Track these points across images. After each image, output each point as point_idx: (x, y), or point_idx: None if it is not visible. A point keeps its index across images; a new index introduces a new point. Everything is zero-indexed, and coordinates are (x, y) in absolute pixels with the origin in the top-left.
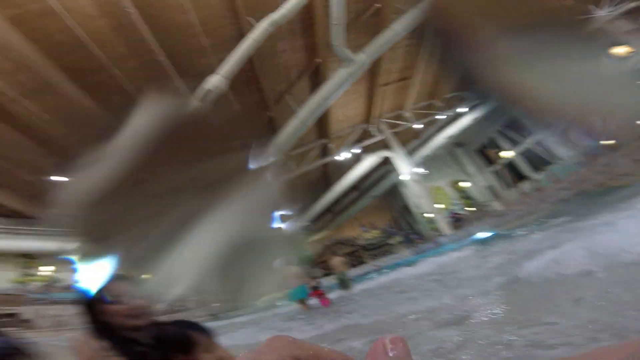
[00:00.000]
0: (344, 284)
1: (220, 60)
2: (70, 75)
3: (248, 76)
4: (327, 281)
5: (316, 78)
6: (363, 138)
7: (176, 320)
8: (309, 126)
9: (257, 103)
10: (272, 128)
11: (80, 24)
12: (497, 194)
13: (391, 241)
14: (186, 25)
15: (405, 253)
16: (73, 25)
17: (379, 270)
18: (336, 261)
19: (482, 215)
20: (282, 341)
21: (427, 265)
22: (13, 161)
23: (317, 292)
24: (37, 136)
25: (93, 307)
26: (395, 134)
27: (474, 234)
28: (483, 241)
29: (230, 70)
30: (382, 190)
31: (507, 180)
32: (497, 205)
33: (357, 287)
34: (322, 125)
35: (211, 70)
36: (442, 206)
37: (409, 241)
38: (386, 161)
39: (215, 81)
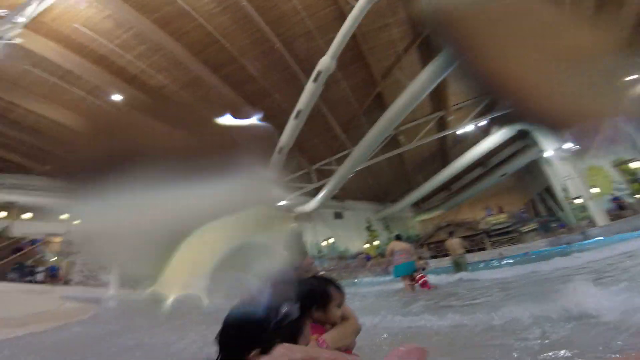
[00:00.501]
0: (458, 267)
1: (327, 42)
2: (210, 68)
3: (354, 54)
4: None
5: (427, 50)
6: (491, 108)
7: (315, 277)
8: (423, 100)
9: (365, 80)
10: (380, 103)
11: (207, 20)
12: None
13: (523, 228)
14: (292, 12)
15: (539, 243)
16: (202, 23)
17: (499, 260)
18: (453, 243)
19: None
20: (283, 349)
21: (567, 261)
22: None
23: (422, 276)
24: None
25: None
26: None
27: None
28: None
29: (337, 50)
30: (516, 168)
31: None
32: None
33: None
34: (439, 97)
35: (320, 52)
36: (600, 191)
37: (546, 230)
38: (524, 134)
39: (324, 62)
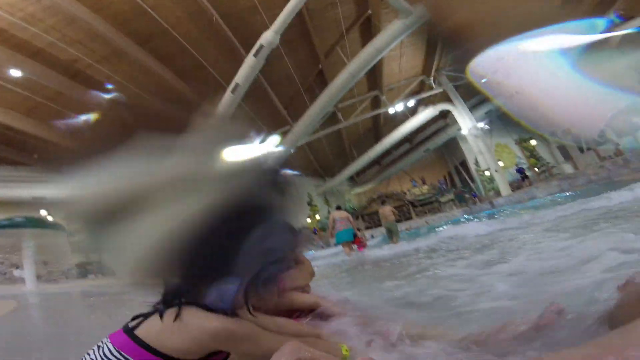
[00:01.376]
0: (391, 233)
1: (272, 17)
2: (135, 41)
3: (299, 31)
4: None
5: (368, 31)
6: (420, 91)
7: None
8: (360, 79)
9: (308, 57)
10: (322, 80)
11: None
12: (570, 155)
13: (442, 198)
14: None
15: (455, 212)
16: None
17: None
18: (385, 210)
19: (550, 177)
20: (292, 347)
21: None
22: None
23: (359, 239)
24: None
25: None
26: (457, 87)
27: (536, 196)
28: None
29: (282, 25)
30: (437, 144)
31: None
32: (568, 168)
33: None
34: (374, 77)
35: (264, 27)
36: (505, 164)
37: (462, 200)
38: (445, 115)
39: (267, 36)
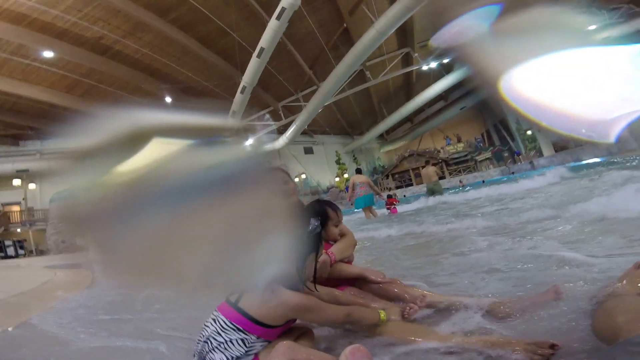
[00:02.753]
0: (433, 193)
1: None
2: (155, 13)
3: None
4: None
5: None
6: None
7: (318, 200)
8: (390, 36)
9: (331, 15)
10: (347, 39)
11: None
12: None
13: (478, 157)
14: None
15: (492, 172)
16: None
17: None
18: (429, 170)
19: None
20: (286, 347)
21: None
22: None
23: (392, 200)
24: (144, 67)
25: None
26: None
27: (583, 158)
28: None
29: None
30: (475, 101)
31: None
32: None
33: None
34: (405, 33)
35: None
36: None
37: (499, 159)
38: None
39: None
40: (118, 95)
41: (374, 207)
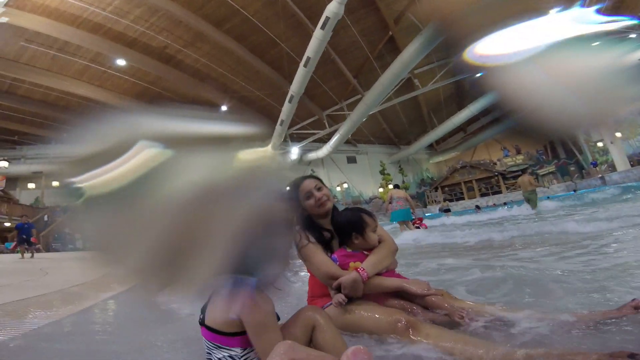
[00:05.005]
0: (530, 202)
1: None
2: (212, 23)
3: None
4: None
5: None
6: None
7: (350, 208)
8: (439, 43)
9: (375, 24)
10: (393, 47)
11: None
12: None
13: (540, 171)
14: None
15: (555, 187)
16: None
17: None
18: (524, 179)
19: None
20: (286, 347)
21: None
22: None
23: (420, 219)
24: (203, 76)
25: (299, 208)
26: None
27: None
28: None
29: None
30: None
31: None
32: None
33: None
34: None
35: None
36: (624, 136)
37: (564, 173)
38: None
39: (332, 8)
40: (180, 103)
41: (410, 222)
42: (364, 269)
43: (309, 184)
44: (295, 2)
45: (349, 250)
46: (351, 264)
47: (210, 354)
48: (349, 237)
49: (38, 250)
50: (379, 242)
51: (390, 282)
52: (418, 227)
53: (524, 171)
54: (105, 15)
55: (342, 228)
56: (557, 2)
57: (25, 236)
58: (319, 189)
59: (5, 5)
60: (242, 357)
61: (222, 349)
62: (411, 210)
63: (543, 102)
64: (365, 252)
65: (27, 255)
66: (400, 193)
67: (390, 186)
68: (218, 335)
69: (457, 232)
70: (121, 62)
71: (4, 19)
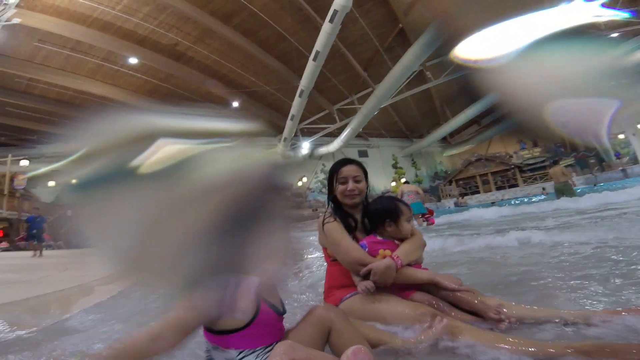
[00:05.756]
0: (562, 194)
1: None
2: (219, 19)
3: None
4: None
5: None
6: None
7: (385, 196)
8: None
9: (384, 16)
10: (404, 40)
11: None
12: None
13: (560, 163)
14: None
15: (575, 180)
16: None
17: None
18: (556, 170)
19: None
20: (286, 347)
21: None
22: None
23: (430, 211)
24: (213, 73)
25: (331, 185)
26: None
27: None
28: None
29: None
30: None
31: None
32: None
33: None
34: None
35: None
36: None
37: (584, 166)
38: None
39: (340, 1)
40: (191, 100)
41: (420, 216)
42: (398, 257)
43: (349, 170)
44: None
45: (379, 237)
46: (381, 251)
47: (210, 357)
48: (382, 224)
49: (55, 247)
50: (412, 234)
51: (421, 273)
52: (425, 221)
53: (556, 162)
54: (115, 14)
55: (377, 214)
56: None
57: (36, 230)
58: (357, 181)
59: (17, 6)
60: (242, 357)
61: (218, 351)
62: (422, 204)
63: (542, 104)
64: (397, 242)
65: (37, 253)
66: (411, 187)
67: (403, 180)
68: (212, 334)
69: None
70: (133, 60)
71: (17, 20)
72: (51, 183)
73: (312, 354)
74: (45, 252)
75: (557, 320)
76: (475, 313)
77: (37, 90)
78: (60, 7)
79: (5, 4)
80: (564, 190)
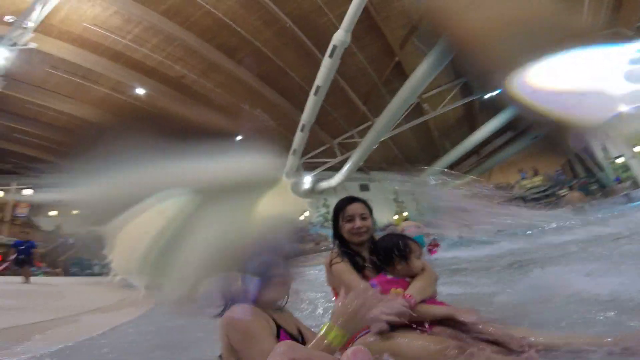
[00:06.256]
0: None
1: (338, 16)
2: (225, 53)
3: (368, 25)
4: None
5: None
6: None
7: (393, 233)
8: (446, 66)
9: (381, 50)
10: (400, 72)
11: (214, 6)
12: None
13: (561, 191)
14: None
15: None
16: (210, 10)
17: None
18: (574, 196)
19: None
20: (286, 347)
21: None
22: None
23: (435, 244)
24: (218, 108)
25: (336, 223)
26: None
27: None
28: None
29: (350, 22)
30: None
31: None
32: None
33: None
34: (461, 62)
35: (333, 27)
36: None
37: (587, 192)
38: None
39: (339, 36)
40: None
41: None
42: (410, 295)
43: (356, 208)
44: (303, 31)
45: (389, 276)
46: (392, 290)
47: None
48: (391, 262)
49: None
50: (422, 269)
51: (438, 309)
52: (429, 251)
53: (571, 187)
54: (125, 44)
55: (386, 252)
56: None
57: (25, 256)
58: (363, 218)
59: (34, 31)
60: None
61: None
62: (423, 237)
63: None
64: (407, 279)
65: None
66: (412, 223)
67: (405, 214)
68: None
69: None
70: (140, 91)
71: (33, 45)
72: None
73: (312, 354)
74: (40, 279)
75: (591, 348)
76: (499, 344)
77: (45, 117)
78: (74, 33)
79: (25, 27)
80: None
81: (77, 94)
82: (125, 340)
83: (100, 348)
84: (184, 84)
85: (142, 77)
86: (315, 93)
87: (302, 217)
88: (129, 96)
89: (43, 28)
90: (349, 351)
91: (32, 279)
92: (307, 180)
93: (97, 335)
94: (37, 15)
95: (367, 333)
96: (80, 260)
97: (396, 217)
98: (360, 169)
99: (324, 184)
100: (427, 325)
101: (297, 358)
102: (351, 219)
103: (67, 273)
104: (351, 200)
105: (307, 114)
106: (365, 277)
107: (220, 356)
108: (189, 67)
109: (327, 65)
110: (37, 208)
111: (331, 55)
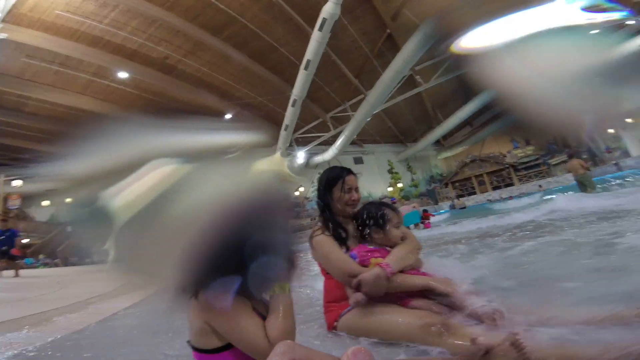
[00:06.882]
0: (585, 185)
1: None
2: (210, 32)
3: None
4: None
5: None
6: None
7: (373, 202)
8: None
9: (373, 23)
10: (393, 45)
11: None
12: None
13: (552, 160)
14: None
15: (569, 176)
16: None
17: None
18: (573, 164)
19: None
20: (286, 346)
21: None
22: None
23: (427, 214)
24: (206, 85)
25: (329, 192)
26: None
27: None
28: None
29: None
30: None
31: None
32: None
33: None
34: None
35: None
36: (634, 120)
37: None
38: None
39: (328, 9)
40: (185, 114)
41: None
42: (387, 264)
43: (353, 181)
44: (291, 5)
45: (370, 246)
46: (372, 260)
47: None
48: (369, 231)
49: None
50: (402, 239)
51: (416, 279)
52: (422, 223)
53: (571, 155)
54: (103, 28)
55: (363, 222)
56: None
57: (7, 247)
58: (357, 190)
59: (2, 21)
60: None
61: None
62: (418, 212)
63: (538, 99)
64: (388, 249)
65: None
66: (408, 207)
67: (400, 184)
68: (204, 354)
69: None
70: (123, 74)
71: (3, 35)
72: (45, 202)
73: (312, 354)
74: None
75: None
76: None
77: (27, 107)
78: (46, 21)
79: None
80: (584, 181)
81: (58, 82)
82: (130, 324)
83: (103, 332)
84: (169, 64)
85: (123, 61)
86: (306, 67)
87: (297, 193)
88: (113, 80)
89: (12, 18)
90: (349, 351)
91: (33, 271)
92: (301, 155)
93: (95, 322)
94: (3, 5)
95: (350, 311)
96: (79, 249)
97: (390, 189)
98: (354, 142)
99: (318, 159)
100: (405, 299)
101: (297, 358)
102: (350, 190)
103: (66, 263)
104: (349, 171)
105: (298, 88)
106: (348, 250)
107: (188, 341)
108: (172, 48)
109: (317, 39)
110: (29, 199)
111: (321, 29)
